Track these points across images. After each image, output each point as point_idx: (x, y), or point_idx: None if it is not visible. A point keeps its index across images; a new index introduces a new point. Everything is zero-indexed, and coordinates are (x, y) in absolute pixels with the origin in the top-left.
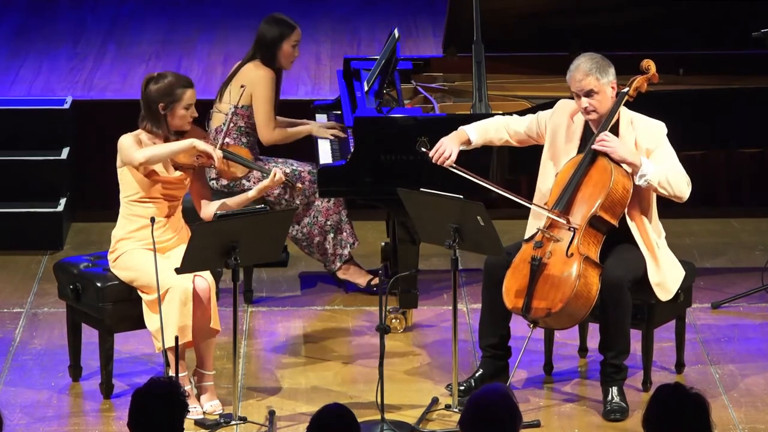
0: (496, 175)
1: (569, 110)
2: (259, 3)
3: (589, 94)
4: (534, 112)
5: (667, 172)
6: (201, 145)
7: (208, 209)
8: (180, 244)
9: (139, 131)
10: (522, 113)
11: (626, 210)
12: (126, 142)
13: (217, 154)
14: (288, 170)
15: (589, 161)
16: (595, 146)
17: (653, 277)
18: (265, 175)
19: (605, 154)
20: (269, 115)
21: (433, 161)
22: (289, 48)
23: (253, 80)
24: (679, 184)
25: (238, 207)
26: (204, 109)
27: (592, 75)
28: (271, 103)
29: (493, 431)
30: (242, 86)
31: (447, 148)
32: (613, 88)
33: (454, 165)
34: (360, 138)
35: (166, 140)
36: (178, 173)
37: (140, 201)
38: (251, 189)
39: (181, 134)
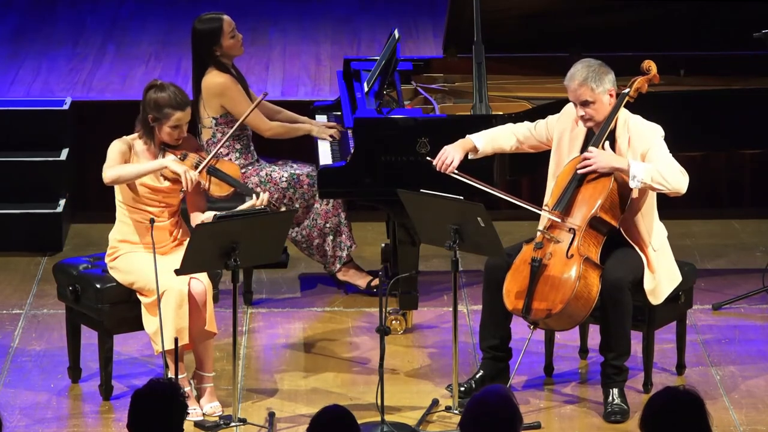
0: (498, 176)
1: (575, 114)
2: (259, 4)
3: (585, 103)
4: (534, 113)
5: (658, 167)
6: (172, 166)
7: (196, 221)
8: (177, 249)
9: (134, 136)
10: (523, 114)
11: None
12: (110, 153)
13: (190, 176)
14: (286, 174)
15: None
16: (579, 171)
17: (646, 282)
18: (248, 197)
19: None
20: (253, 113)
21: (437, 169)
22: (229, 40)
23: (216, 92)
24: (673, 175)
25: None
26: None
27: (587, 85)
28: (247, 102)
29: None
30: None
31: (449, 155)
32: (611, 95)
33: (456, 171)
34: (360, 139)
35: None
36: (167, 183)
37: (134, 206)
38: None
39: (172, 147)
